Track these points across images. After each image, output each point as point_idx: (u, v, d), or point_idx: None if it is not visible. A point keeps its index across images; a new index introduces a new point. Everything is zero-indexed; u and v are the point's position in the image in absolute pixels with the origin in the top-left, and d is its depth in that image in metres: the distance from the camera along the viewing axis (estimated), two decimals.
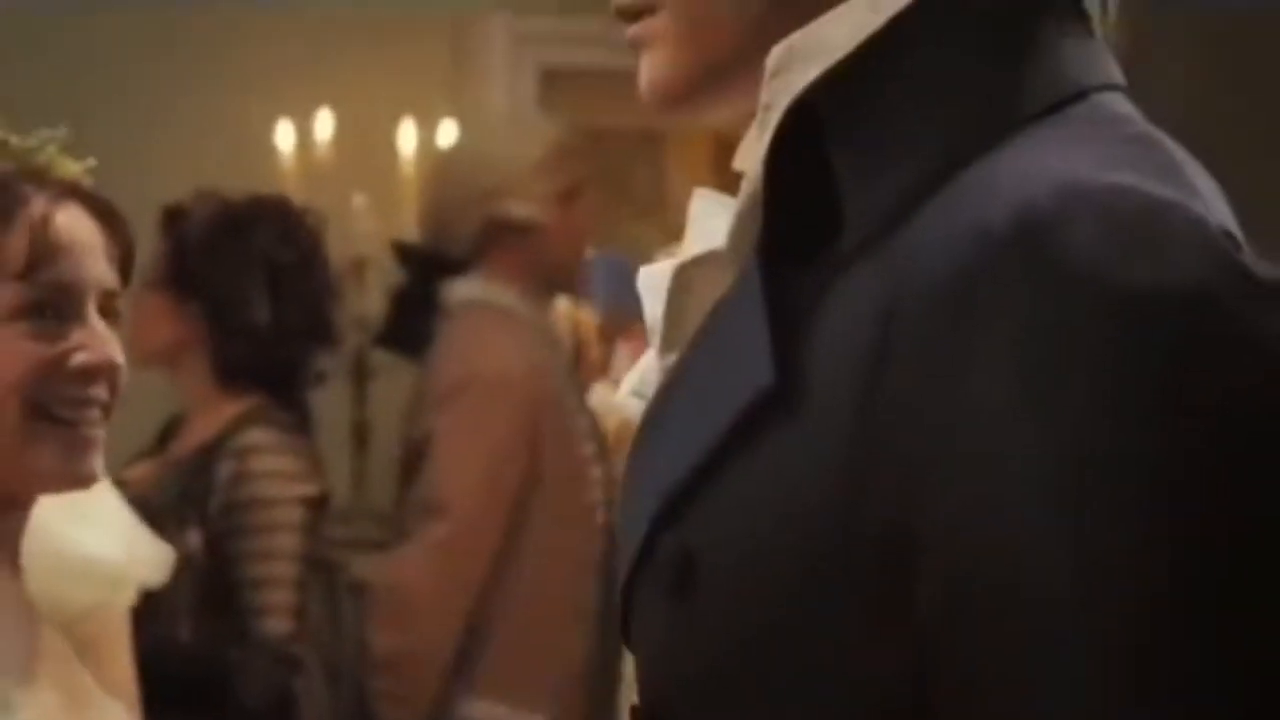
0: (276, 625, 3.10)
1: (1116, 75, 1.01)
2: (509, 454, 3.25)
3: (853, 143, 0.96)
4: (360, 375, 4.37)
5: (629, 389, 1.12)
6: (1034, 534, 0.87)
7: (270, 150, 4.38)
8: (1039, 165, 0.91)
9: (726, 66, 1.03)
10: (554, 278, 3.45)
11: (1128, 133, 0.96)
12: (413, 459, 3.33)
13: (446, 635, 3.24)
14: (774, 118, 0.98)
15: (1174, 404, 0.86)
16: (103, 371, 1.73)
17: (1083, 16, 1.01)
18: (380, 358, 4.15)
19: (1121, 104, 1.00)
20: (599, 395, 4.65)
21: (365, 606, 3.43)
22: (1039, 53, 0.98)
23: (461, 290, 3.38)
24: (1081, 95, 0.97)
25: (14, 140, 1.76)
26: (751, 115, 1.01)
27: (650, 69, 1.05)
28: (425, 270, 3.50)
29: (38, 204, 1.74)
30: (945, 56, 0.97)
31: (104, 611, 2.38)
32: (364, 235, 4.27)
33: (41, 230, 1.72)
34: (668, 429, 1.02)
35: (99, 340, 1.73)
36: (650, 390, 1.07)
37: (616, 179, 7.77)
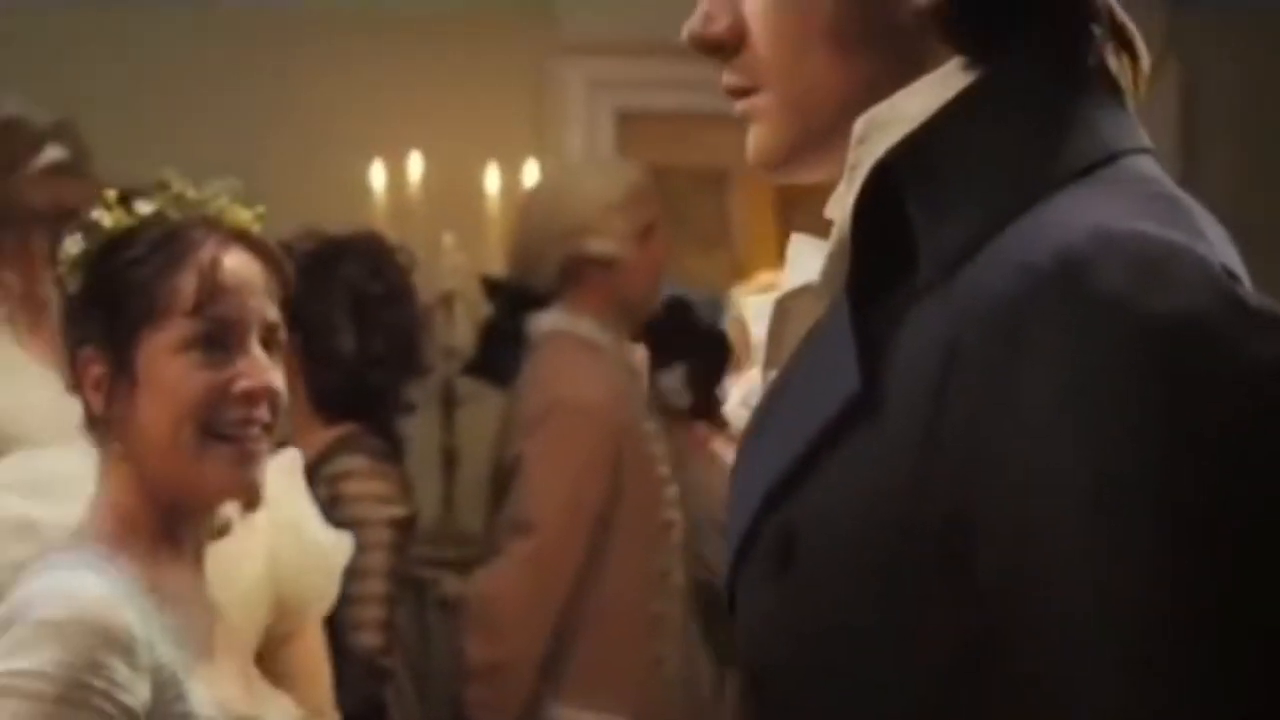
0: (368, 639, 3.18)
1: (1143, 140, 1.20)
2: (592, 475, 3.39)
3: (924, 198, 1.14)
4: (449, 403, 4.43)
5: (737, 399, 1.32)
6: (1066, 531, 1.04)
7: (364, 190, 4.47)
8: (1076, 216, 1.10)
9: (819, 136, 1.21)
10: (631, 309, 3.59)
11: (1150, 190, 1.15)
12: (502, 480, 3.47)
13: (535, 645, 3.37)
14: (860, 176, 1.17)
15: (1178, 420, 1.03)
16: (263, 395, 1.93)
17: (1116, 91, 1.20)
18: (467, 386, 4.25)
19: (1147, 165, 1.18)
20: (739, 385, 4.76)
21: (458, 619, 3.53)
22: (1078, 124, 1.16)
23: (545, 322, 3.53)
24: (1113, 159, 1.16)
25: (190, 192, 1.96)
26: (840, 173, 1.20)
27: (756, 139, 1.24)
28: (511, 303, 3.65)
29: (208, 248, 1.93)
30: (1000, 128, 1.16)
31: (326, 601, 2.58)
32: (452, 270, 4.34)
33: (210, 272, 1.92)
34: (772, 430, 1.22)
35: (259, 368, 1.93)
36: (755, 400, 1.27)
37: (682, 214, 7.84)
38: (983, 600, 1.07)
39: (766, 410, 1.24)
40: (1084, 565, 1.04)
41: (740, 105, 1.24)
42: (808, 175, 1.25)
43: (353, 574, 3.00)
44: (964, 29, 1.17)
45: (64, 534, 2.01)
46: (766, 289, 5.09)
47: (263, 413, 1.93)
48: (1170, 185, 1.17)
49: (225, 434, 1.92)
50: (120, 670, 1.80)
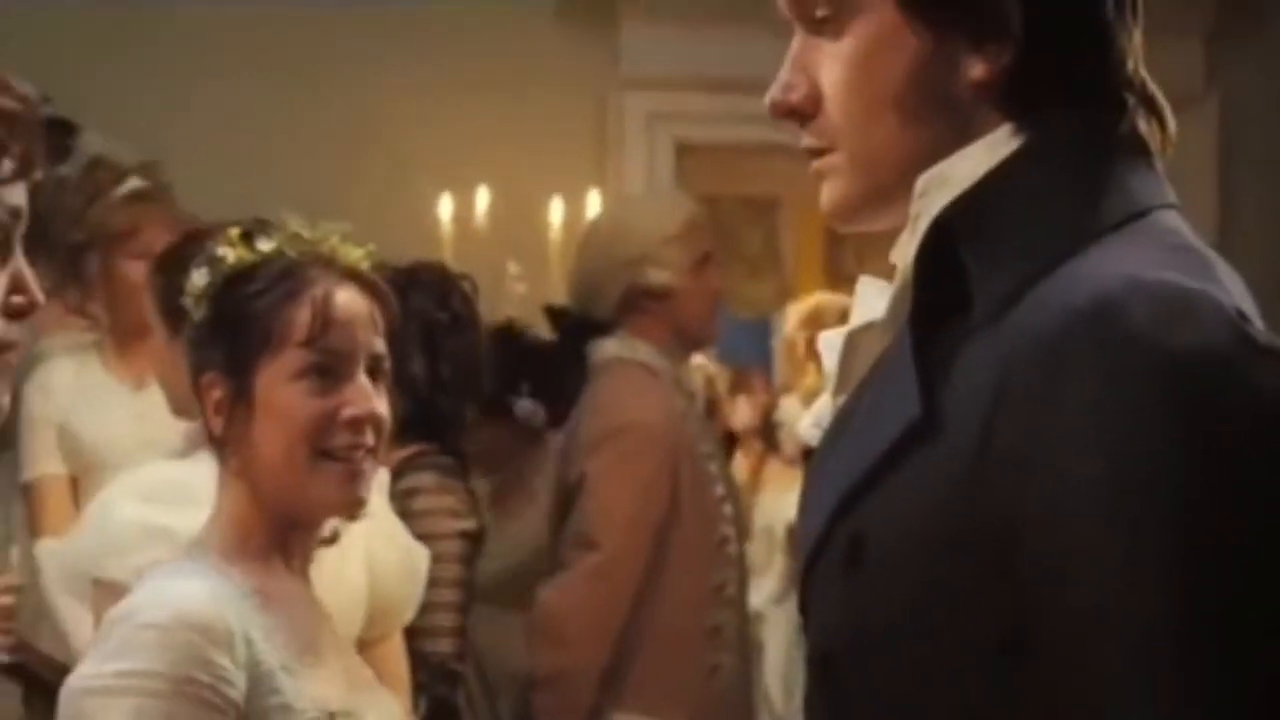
0: (441, 645, 3.22)
1: (1169, 197, 1.36)
2: (652, 493, 3.51)
3: (977, 248, 1.31)
4: None
5: (810, 421, 1.49)
6: (1091, 534, 1.21)
7: (434, 222, 4.62)
8: (1110, 266, 1.26)
9: (885, 191, 1.38)
10: (688, 336, 3.72)
11: (1174, 242, 1.31)
12: (566, 498, 3.59)
13: (598, 654, 3.48)
14: (920, 227, 1.34)
15: (1192, 440, 1.19)
16: (368, 421, 2.07)
17: (1147, 152, 1.37)
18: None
19: (1173, 219, 1.35)
20: (786, 408, 4.90)
21: (526, 628, 3.62)
22: (1112, 185, 1.33)
23: (606, 349, 3.66)
24: (1143, 214, 1.32)
25: (305, 232, 2.10)
26: (903, 223, 1.37)
27: (830, 193, 1.40)
28: (574, 331, 3.77)
29: (322, 284, 2.07)
30: (1044, 187, 1.32)
31: (414, 607, 2.72)
32: (516, 298, 4.46)
33: (323, 306, 2.06)
34: (842, 449, 1.39)
35: (366, 396, 2.07)
36: (826, 421, 1.44)
37: (733, 240, 7.95)
38: (1023, 594, 1.23)
39: (837, 431, 1.41)
40: (1106, 564, 1.20)
41: (816, 164, 1.40)
42: (874, 225, 1.41)
43: (426, 584, 3.08)
44: (1012, 100, 1.33)
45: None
46: (816, 308, 5.27)
47: (368, 437, 2.06)
48: (1191, 237, 1.33)
49: (334, 455, 2.05)
50: (222, 665, 1.92)
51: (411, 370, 3.32)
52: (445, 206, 4.66)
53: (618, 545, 3.49)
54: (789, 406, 5.68)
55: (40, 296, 1.46)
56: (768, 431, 5.81)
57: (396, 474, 3.28)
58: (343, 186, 4.44)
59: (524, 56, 4.93)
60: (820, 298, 5.68)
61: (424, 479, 3.33)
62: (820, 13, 1.37)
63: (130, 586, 2.12)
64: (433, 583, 3.15)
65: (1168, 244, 1.30)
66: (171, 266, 2.64)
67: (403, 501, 3.25)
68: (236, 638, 1.95)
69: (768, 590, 5.71)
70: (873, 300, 1.41)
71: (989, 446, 1.25)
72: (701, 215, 3.82)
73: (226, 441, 2.07)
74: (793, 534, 5.51)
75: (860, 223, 1.42)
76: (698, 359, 4.29)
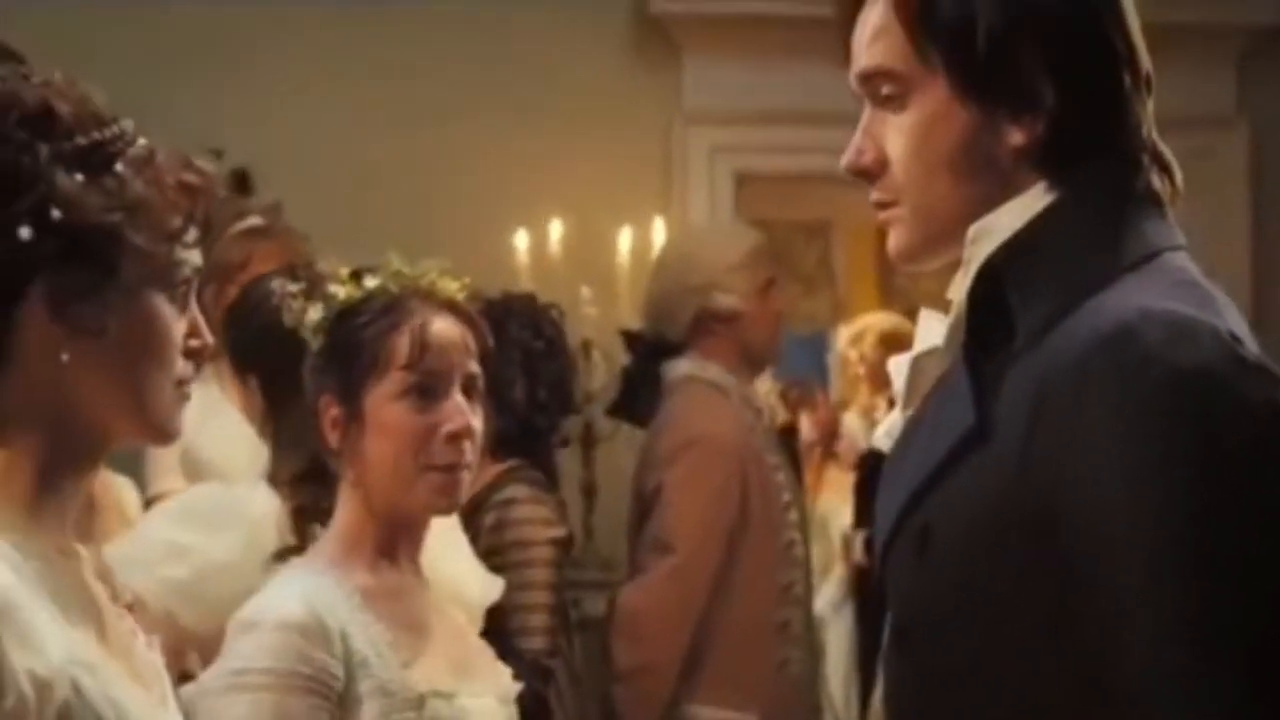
0: (534, 643, 3.40)
1: (1178, 240, 1.62)
2: (722, 501, 3.71)
3: (1019, 287, 1.57)
4: (588, 441, 4.71)
5: (883, 431, 1.76)
6: (1120, 525, 1.45)
7: (510, 251, 4.81)
8: (1127, 299, 1.52)
9: (942, 238, 1.64)
10: (754, 356, 3.93)
11: (1179, 279, 1.57)
12: (643, 508, 3.80)
13: (675, 650, 3.67)
14: (972, 270, 1.61)
15: (1191, 443, 1.43)
16: (464, 435, 2.28)
17: (1159, 202, 1.63)
18: (603, 425, 4.55)
19: (1180, 259, 1.60)
20: (847, 422, 5.08)
21: (607, 629, 3.82)
22: (1128, 231, 1.59)
23: (678, 369, 3.87)
24: (1154, 255, 1.58)
25: (407, 268, 2.32)
26: (957, 262, 1.64)
27: (895, 239, 1.66)
28: (648, 353, 3.97)
29: (420, 315, 2.28)
30: (1072, 236, 1.58)
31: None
32: (588, 321, 4.62)
33: (420, 334, 2.27)
34: (910, 454, 1.65)
35: (461, 412, 2.29)
36: (896, 431, 1.71)
37: (789, 260, 8.08)
38: (1060, 575, 1.48)
39: (906, 439, 1.68)
40: (1128, 553, 1.45)
41: (882, 215, 1.67)
42: (932, 265, 1.68)
43: (520, 587, 3.37)
44: (1046, 162, 1.60)
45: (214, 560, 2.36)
46: (867, 327, 5.57)
47: (464, 448, 2.28)
48: (1196, 274, 1.59)
49: (434, 465, 2.27)
50: (321, 658, 2.15)
51: (513, 394, 3.54)
52: (521, 237, 4.84)
53: (692, 549, 3.69)
54: (850, 422, 5.90)
55: (210, 338, 1.64)
56: (828, 443, 6.02)
57: (494, 486, 3.51)
58: (430, 223, 4.61)
59: (593, 95, 5.12)
60: (869, 319, 5.91)
61: (520, 490, 3.52)
62: (886, 91, 1.64)
63: (150, 598, 2.36)
64: (527, 585, 3.40)
65: (1174, 280, 1.56)
66: (236, 319, 2.90)
67: (501, 510, 3.47)
68: (333, 633, 2.15)
69: (828, 595, 5.88)
70: (933, 330, 1.67)
71: (1030, 451, 1.50)
72: (765, 244, 4.02)
73: (342, 455, 2.29)
74: (848, 540, 5.74)
75: (920, 264, 1.68)
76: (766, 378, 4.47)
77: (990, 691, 1.53)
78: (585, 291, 4.66)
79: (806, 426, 5.94)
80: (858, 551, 5.63)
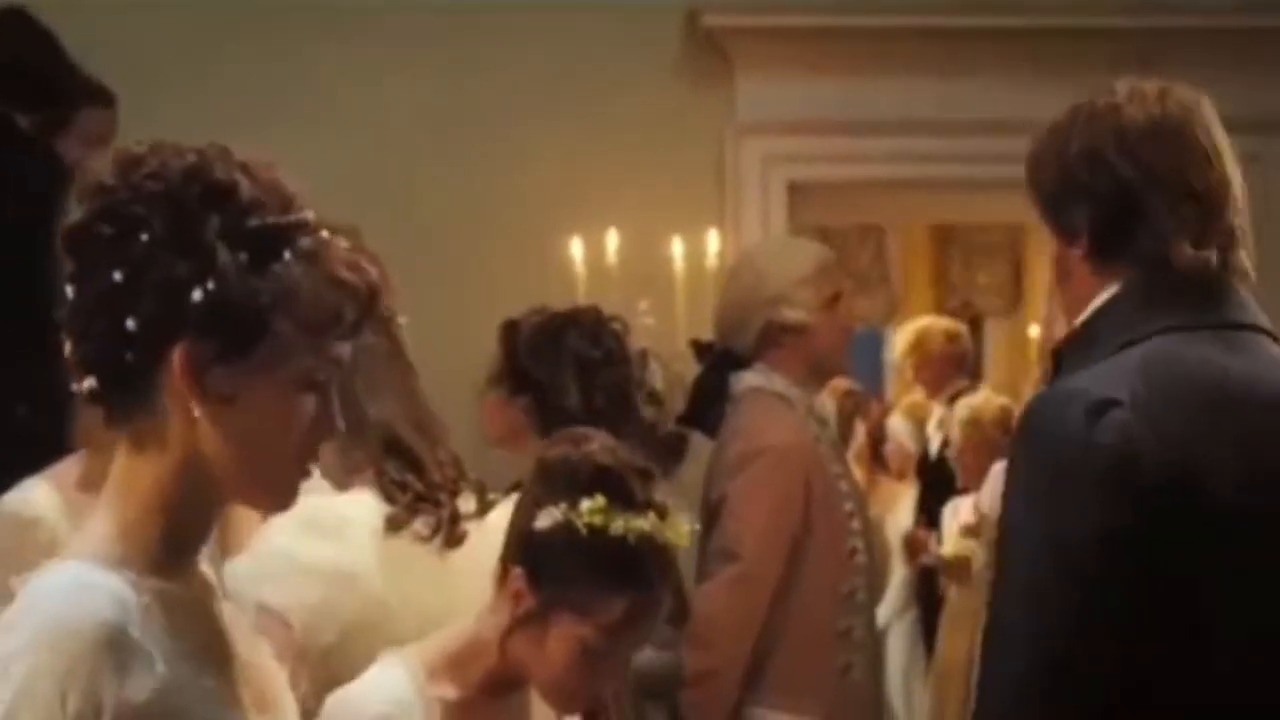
0: None
1: (1180, 320, 2.10)
2: (786, 509, 3.81)
3: (1066, 363, 2.07)
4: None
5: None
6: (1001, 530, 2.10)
7: (568, 262, 4.93)
8: (1071, 380, 2.11)
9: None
10: (820, 368, 4.04)
11: (1126, 362, 2.08)
12: (709, 516, 3.87)
13: (740, 655, 3.77)
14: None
15: (1022, 468, 2.10)
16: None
17: (1181, 291, 2.11)
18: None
19: (1156, 342, 2.08)
20: (892, 425, 5.17)
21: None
22: (1136, 324, 2.09)
23: (746, 380, 3.97)
24: (1133, 343, 2.08)
25: (659, 535, 2.31)
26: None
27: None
28: (716, 364, 4.07)
29: (645, 586, 2.29)
30: (1105, 331, 2.10)
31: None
32: (644, 331, 4.64)
33: (632, 611, 2.29)
34: None
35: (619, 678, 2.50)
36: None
37: (843, 259, 8.19)
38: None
39: None
40: (1006, 543, 2.13)
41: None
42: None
43: None
44: (1094, 271, 2.19)
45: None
46: (919, 337, 5.71)
47: None
48: (1151, 351, 2.09)
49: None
50: None
51: (570, 403, 3.60)
52: (577, 248, 4.95)
53: (756, 556, 3.78)
54: (894, 424, 6.00)
55: (341, 425, 1.70)
56: (875, 448, 6.12)
57: None
58: (491, 236, 4.78)
59: (647, 108, 5.23)
60: (921, 324, 6.01)
61: None
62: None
63: (287, 614, 2.46)
64: None
65: (1118, 361, 2.09)
66: None
67: None
68: None
69: (889, 602, 5.98)
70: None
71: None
72: (833, 259, 4.13)
73: (512, 633, 2.32)
74: (911, 541, 5.85)
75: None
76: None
77: None
78: (643, 303, 4.78)
79: (859, 434, 6.03)
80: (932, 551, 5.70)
